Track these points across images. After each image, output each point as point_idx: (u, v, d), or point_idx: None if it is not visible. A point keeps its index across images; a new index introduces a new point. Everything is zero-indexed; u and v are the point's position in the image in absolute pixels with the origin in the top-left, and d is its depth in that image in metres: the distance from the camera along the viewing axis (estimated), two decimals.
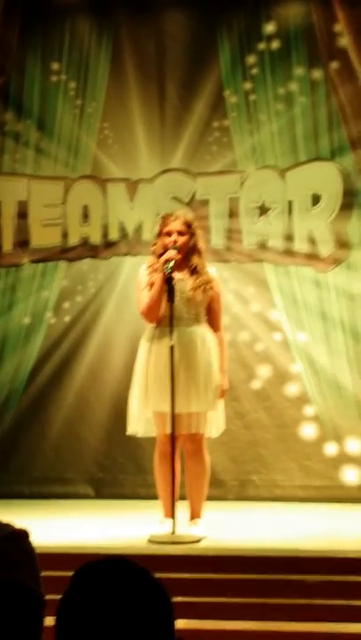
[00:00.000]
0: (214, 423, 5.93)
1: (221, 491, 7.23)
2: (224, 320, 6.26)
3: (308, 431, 7.45)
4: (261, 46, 7.58)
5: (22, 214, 7.88)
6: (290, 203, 7.54)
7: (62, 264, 7.86)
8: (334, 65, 7.39)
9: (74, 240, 7.84)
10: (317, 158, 7.53)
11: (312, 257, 7.49)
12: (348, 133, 7.42)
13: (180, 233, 5.83)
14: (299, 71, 7.54)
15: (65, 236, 7.85)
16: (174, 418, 5.60)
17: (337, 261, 7.46)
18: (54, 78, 7.84)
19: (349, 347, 7.40)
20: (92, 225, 7.82)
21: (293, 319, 7.49)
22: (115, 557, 1.70)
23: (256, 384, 7.55)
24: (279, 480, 7.45)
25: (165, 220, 5.93)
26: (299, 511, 6.97)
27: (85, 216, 7.84)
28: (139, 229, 7.74)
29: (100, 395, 7.72)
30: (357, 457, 7.36)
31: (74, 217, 7.84)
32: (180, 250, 5.77)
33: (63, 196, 7.83)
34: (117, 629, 1.61)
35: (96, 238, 7.81)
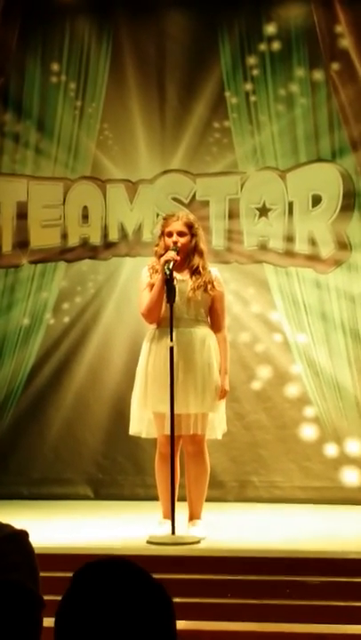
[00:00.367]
0: (219, 425, 5.93)
1: (221, 492, 7.22)
2: None
3: (308, 432, 7.45)
4: (262, 47, 7.58)
5: (22, 215, 7.88)
6: (290, 204, 7.54)
7: (62, 265, 7.85)
8: (335, 66, 7.39)
9: (73, 241, 7.84)
10: (318, 159, 7.53)
11: (313, 258, 7.49)
12: (348, 134, 7.42)
13: (181, 233, 5.82)
14: (300, 72, 7.53)
15: (64, 236, 7.85)
16: (174, 418, 5.60)
17: (337, 262, 7.46)
18: (54, 79, 7.84)
19: (350, 348, 7.40)
20: (91, 226, 7.82)
21: (294, 320, 7.48)
22: (115, 558, 1.70)
23: (256, 385, 7.54)
24: (279, 481, 7.44)
25: (167, 220, 5.93)
26: (298, 512, 6.96)
27: (85, 217, 7.83)
28: (138, 230, 7.74)
29: (100, 396, 7.71)
30: (357, 458, 7.36)
31: (73, 218, 7.84)
32: (179, 251, 5.77)
33: (63, 196, 7.84)
34: (118, 630, 1.60)
35: (96, 239, 7.81)
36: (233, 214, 7.62)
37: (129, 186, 7.78)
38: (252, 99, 7.59)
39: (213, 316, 5.88)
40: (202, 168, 7.69)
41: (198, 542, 5.59)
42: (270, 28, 7.57)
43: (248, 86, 7.60)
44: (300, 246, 7.51)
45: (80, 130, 7.81)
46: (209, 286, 5.83)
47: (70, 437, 7.73)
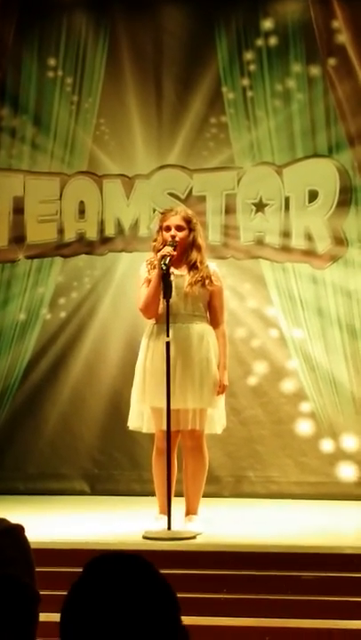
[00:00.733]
0: (218, 420, 5.93)
1: (217, 487, 7.22)
2: None
3: (304, 427, 7.45)
4: (259, 42, 7.57)
5: (18, 210, 7.88)
6: (287, 199, 7.54)
7: (58, 260, 7.85)
8: (332, 61, 7.38)
9: (70, 236, 7.83)
10: (315, 155, 7.53)
11: (309, 253, 7.49)
12: (345, 130, 7.41)
13: (180, 228, 5.82)
14: (296, 68, 7.53)
15: (61, 231, 7.84)
16: (171, 414, 5.59)
17: (334, 258, 7.46)
18: (51, 74, 7.83)
19: (346, 343, 7.40)
20: (88, 221, 7.82)
21: (290, 316, 7.49)
22: (129, 553, 1.71)
23: (252, 380, 7.55)
24: (275, 476, 7.45)
25: (165, 215, 5.92)
26: (294, 507, 6.97)
27: (81, 212, 7.83)
28: (135, 225, 7.73)
29: (96, 391, 7.71)
30: (353, 453, 7.36)
31: (70, 213, 7.83)
32: (176, 246, 5.76)
33: (59, 191, 7.83)
34: (122, 622, 1.61)
35: (92, 234, 7.81)
36: (229, 209, 7.62)
37: (125, 181, 7.77)
38: (249, 94, 7.58)
39: (212, 311, 5.88)
40: (199, 163, 7.69)
41: (194, 537, 5.59)
42: (267, 24, 7.57)
43: (245, 81, 7.59)
44: (297, 242, 7.51)
45: (76, 125, 7.80)
46: (207, 281, 5.82)
47: (66, 432, 7.73)
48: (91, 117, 7.79)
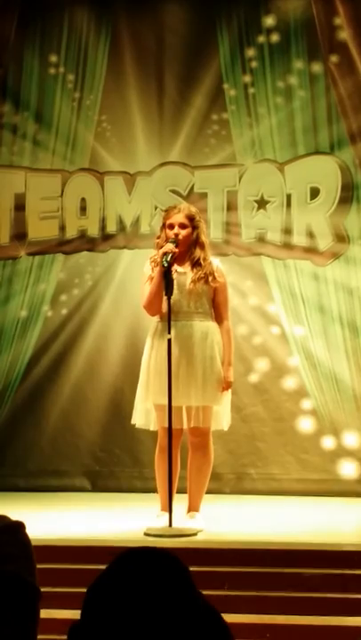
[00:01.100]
0: (224, 417, 5.92)
1: (218, 484, 7.22)
2: None
3: (305, 425, 7.45)
4: (261, 39, 7.56)
5: (20, 207, 7.88)
6: (288, 196, 7.53)
7: (59, 257, 7.85)
8: (334, 58, 7.37)
9: (71, 233, 7.83)
10: (316, 152, 7.52)
11: (310, 250, 7.49)
12: (347, 127, 7.40)
13: (183, 225, 5.81)
14: (298, 64, 7.52)
15: (62, 228, 7.84)
16: (174, 411, 5.59)
17: (335, 255, 7.46)
18: (52, 71, 7.83)
19: (347, 340, 7.40)
20: (89, 218, 7.82)
21: (291, 313, 7.48)
22: (160, 550, 1.71)
23: (254, 377, 7.54)
24: (276, 473, 7.45)
25: (168, 212, 5.91)
26: (296, 505, 6.97)
27: (83, 209, 7.83)
28: (137, 222, 7.73)
29: (97, 388, 7.71)
30: (355, 450, 7.36)
31: (71, 210, 7.83)
32: (178, 243, 5.76)
33: (61, 188, 7.83)
34: (143, 614, 1.60)
35: (94, 231, 7.80)
36: (231, 206, 7.61)
37: (127, 178, 7.77)
38: (251, 91, 7.58)
39: (216, 307, 5.86)
40: (200, 160, 7.68)
41: (196, 534, 5.59)
42: (269, 20, 7.56)
43: (247, 78, 7.59)
44: (298, 239, 7.50)
45: (78, 122, 7.80)
46: (210, 278, 5.81)
47: (67, 429, 7.73)
48: (92, 114, 7.79)
